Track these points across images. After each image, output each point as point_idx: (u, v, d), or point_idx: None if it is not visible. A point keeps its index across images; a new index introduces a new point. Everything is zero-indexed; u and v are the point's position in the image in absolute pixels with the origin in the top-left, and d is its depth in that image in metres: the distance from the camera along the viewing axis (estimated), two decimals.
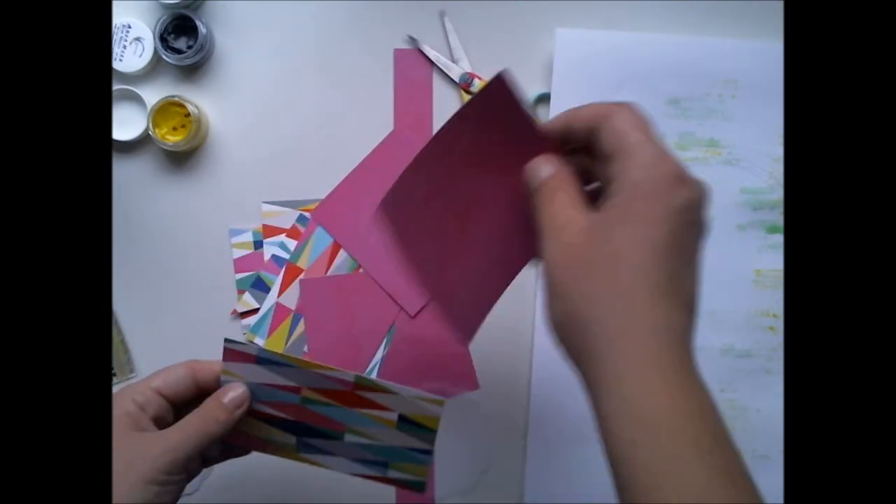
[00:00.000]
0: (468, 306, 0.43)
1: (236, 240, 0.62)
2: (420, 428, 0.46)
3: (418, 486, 0.48)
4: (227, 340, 0.44)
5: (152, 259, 0.62)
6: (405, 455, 0.47)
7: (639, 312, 0.32)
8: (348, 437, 0.47)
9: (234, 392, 0.44)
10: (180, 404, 0.45)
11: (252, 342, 0.57)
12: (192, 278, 0.62)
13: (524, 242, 0.39)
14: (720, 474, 0.30)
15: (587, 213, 0.35)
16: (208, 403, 0.44)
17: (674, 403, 0.31)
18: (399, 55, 0.62)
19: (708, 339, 0.61)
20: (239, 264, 0.62)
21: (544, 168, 0.37)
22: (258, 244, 0.62)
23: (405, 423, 0.46)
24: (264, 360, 0.44)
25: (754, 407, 0.61)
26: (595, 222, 0.34)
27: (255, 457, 0.48)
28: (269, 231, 0.62)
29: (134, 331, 0.62)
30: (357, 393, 0.45)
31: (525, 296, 0.62)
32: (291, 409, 0.46)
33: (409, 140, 0.61)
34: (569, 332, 0.34)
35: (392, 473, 0.48)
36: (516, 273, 0.42)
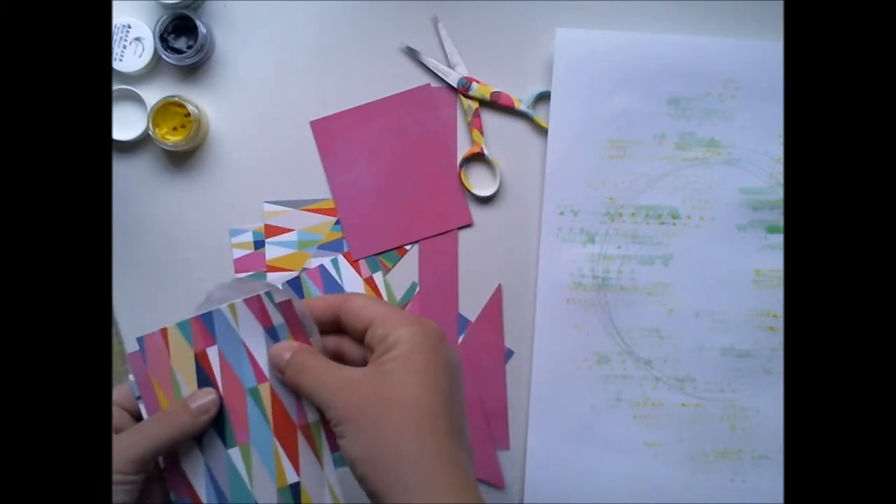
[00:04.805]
0: None
1: (236, 240, 0.62)
2: None
3: None
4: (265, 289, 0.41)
5: (152, 259, 0.62)
6: None
7: (443, 451, 0.36)
8: (232, 454, 0.42)
9: (203, 399, 0.42)
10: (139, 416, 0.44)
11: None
12: (191, 278, 0.62)
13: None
14: None
15: (353, 369, 0.39)
16: (173, 406, 0.42)
17: None
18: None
19: (708, 339, 0.61)
20: (239, 264, 0.62)
21: (284, 351, 0.41)
22: (258, 244, 0.62)
23: (291, 494, 0.42)
24: (279, 327, 0.41)
25: (754, 407, 0.61)
26: (377, 372, 0.38)
27: None
28: (272, 231, 0.62)
29: (133, 330, 0.62)
30: (299, 432, 0.41)
31: (525, 293, 0.62)
32: (230, 389, 0.42)
33: (433, 100, 0.62)
34: (374, 465, 0.36)
35: None
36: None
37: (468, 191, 0.61)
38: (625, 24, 0.61)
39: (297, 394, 0.41)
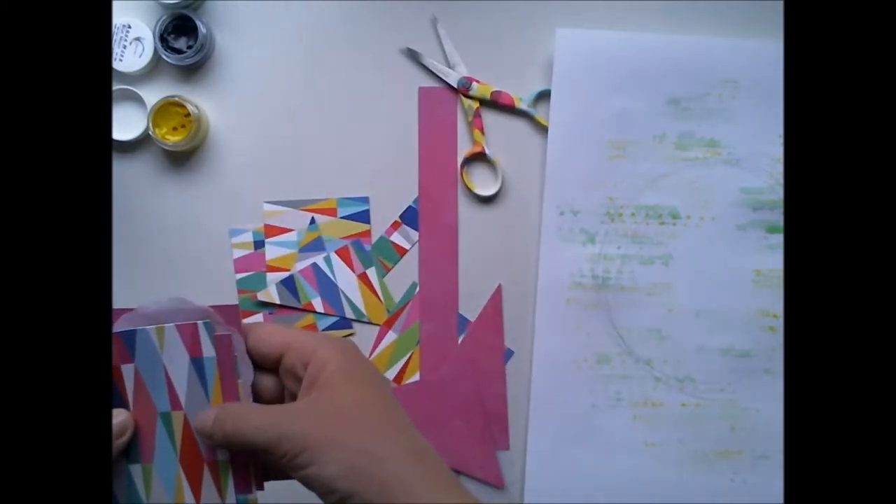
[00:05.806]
0: None
1: (236, 240, 0.62)
2: None
3: None
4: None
5: (152, 259, 0.62)
6: None
7: (416, 444, 0.37)
8: (132, 470, 0.40)
9: (115, 419, 0.39)
10: None
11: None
12: (191, 278, 0.62)
13: None
14: None
15: (291, 404, 0.39)
16: None
17: None
18: (423, 94, 0.62)
19: (708, 339, 0.61)
20: (239, 264, 0.62)
21: (206, 416, 0.39)
22: (258, 244, 0.62)
23: None
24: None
25: (754, 407, 0.61)
26: (322, 395, 0.37)
27: None
28: (272, 231, 0.62)
29: None
30: (206, 466, 0.39)
31: (525, 293, 0.62)
32: (141, 409, 0.40)
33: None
34: (360, 474, 0.35)
35: None
36: None
37: (470, 191, 0.62)
38: (625, 24, 0.61)
39: (238, 446, 0.38)
